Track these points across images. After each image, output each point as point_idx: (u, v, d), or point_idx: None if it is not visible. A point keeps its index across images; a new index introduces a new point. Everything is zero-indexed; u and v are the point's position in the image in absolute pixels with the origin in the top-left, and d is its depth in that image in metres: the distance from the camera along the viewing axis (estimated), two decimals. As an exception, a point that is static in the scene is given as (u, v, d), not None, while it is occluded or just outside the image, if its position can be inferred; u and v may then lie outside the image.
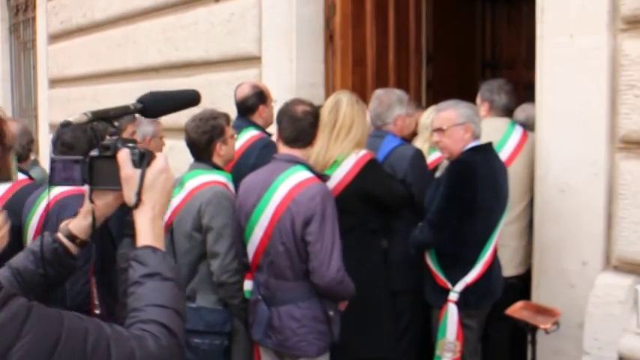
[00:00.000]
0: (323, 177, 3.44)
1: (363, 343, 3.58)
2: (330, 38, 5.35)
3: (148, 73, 6.76)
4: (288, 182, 3.31)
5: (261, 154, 4.10)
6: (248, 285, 3.53)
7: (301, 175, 3.33)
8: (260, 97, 4.52)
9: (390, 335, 3.80)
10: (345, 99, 3.77)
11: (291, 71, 5.25)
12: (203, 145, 3.57)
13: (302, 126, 3.39)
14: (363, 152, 3.72)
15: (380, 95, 4.21)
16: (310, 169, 3.40)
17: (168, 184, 1.70)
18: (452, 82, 6.18)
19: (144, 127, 4.53)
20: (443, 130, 3.61)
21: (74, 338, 1.33)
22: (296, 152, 3.41)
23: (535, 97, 3.78)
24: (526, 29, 7.23)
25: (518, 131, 4.11)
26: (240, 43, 5.68)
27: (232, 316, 3.53)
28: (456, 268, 3.55)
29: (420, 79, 6.12)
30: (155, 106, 1.78)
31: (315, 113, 3.44)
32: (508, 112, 4.23)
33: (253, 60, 5.56)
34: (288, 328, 3.30)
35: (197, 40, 6.11)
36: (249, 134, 4.39)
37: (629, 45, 3.38)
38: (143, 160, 1.66)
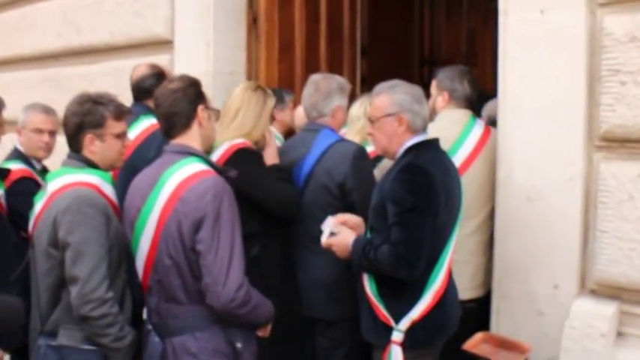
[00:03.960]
0: (223, 171, 2.82)
1: None
2: (253, 21, 4.90)
3: (47, 60, 6.16)
4: (175, 178, 2.69)
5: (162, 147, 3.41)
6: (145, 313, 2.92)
7: (192, 167, 2.71)
8: (159, 77, 3.89)
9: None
10: (241, 85, 3.46)
11: (207, 57, 4.75)
12: (70, 131, 2.83)
13: (165, 110, 2.79)
14: (236, 141, 3.27)
15: (317, 81, 3.53)
16: (206, 160, 2.80)
17: None
18: (388, 77, 5.63)
19: None
20: (372, 121, 2.96)
21: None
22: (185, 141, 2.80)
23: (497, 86, 3.26)
24: (467, 20, 6.86)
25: (480, 125, 3.53)
26: (149, 24, 5.21)
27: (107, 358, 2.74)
28: (401, 299, 2.84)
29: (354, 72, 5.69)
30: None
31: (184, 87, 2.81)
32: (470, 103, 3.64)
33: (165, 44, 5.07)
34: None
35: (101, 22, 5.59)
36: (148, 122, 3.76)
37: (613, 22, 2.94)
38: None
